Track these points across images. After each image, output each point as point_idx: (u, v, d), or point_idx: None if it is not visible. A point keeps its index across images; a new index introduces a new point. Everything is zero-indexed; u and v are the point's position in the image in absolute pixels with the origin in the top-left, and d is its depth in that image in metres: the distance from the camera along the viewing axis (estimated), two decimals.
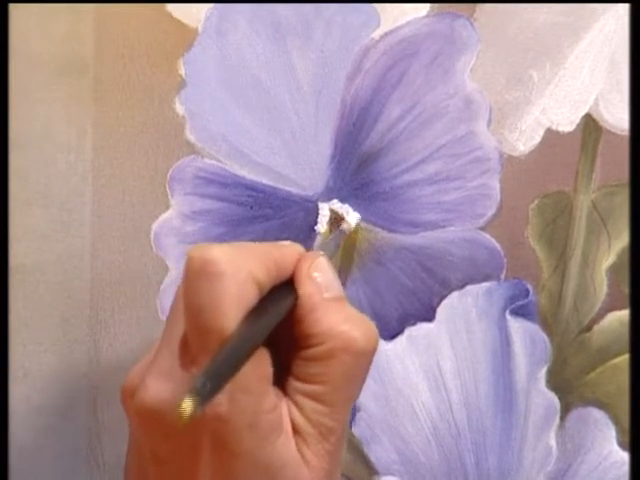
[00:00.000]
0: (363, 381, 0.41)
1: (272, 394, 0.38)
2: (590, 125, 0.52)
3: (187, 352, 0.38)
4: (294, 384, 0.40)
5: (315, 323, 0.40)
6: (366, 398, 0.52)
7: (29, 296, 0.52)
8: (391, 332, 0.52)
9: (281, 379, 0.40)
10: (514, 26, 0.51)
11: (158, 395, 0.38)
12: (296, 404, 0.39)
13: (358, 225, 0.52)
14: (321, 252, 0.44)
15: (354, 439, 0.53)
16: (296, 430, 0.39)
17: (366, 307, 0.53)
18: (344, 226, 0.50)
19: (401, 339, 0.52)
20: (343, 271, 0.52)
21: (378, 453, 0.53)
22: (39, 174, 0.52)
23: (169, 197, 0.51)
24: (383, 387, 0.52)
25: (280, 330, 0.39)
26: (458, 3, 0.50)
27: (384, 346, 0.52)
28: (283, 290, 0.40)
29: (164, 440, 0.39)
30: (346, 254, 0.52)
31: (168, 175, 0.51)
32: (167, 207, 0.51)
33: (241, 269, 0.38)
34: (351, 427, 0.52)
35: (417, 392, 0.52)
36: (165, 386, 0.38)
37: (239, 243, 0.46)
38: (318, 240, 0.50)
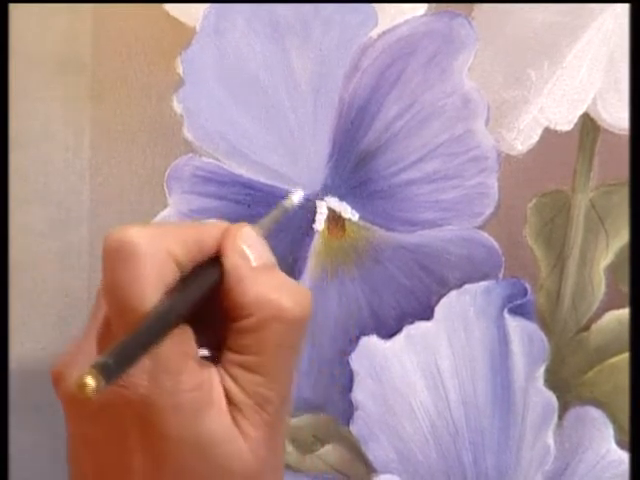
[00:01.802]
0: (300, 348, 0.40)
1: (196, 371, 0.38)
2: (588, 124, 0.52)
3: (110, 334, 0.38)
4: (229, 356, 0.39)
5: (243, 294, 0.39)
6: (364, 397, 0.52)
7: (27, 294, 0.52)
8: (389, 331, 0.52)
9: (221, 353, 0.40)
10: (512, 25, 0.51)
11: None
12: (231, 375, 0.39)
13: (356, 223, 0.52)
14: (245, 223, 0.43)
15: (352, 437, 0.53)
16: (232, 401, 0.38)
17: (364, 306, 0.53)
18: (285, 200, 0.49)
19: (399, 338, 0.52)
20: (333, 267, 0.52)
21: (376, 452, 0.52)
22: (37, 172, 0.52)
23: (167, 195, 0.51)
24: (381, 386, 0.52)
25: (213, 305, 0.39)
26: (456, 2, 0.50)
27: (382, 345, 0.52)
28: (208, 266, 0.40)
29: (91, 423, 0.38)
30: (343, 252, 0.52)
31: (166, 173, 0.51)
32: (165, 205, 0.51)
33: (159, 248, 0.37)
34: (349, 425, 0.52)
35: (415, 391, 0.52)
36: None
37: (158, 222, 0.46)
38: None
